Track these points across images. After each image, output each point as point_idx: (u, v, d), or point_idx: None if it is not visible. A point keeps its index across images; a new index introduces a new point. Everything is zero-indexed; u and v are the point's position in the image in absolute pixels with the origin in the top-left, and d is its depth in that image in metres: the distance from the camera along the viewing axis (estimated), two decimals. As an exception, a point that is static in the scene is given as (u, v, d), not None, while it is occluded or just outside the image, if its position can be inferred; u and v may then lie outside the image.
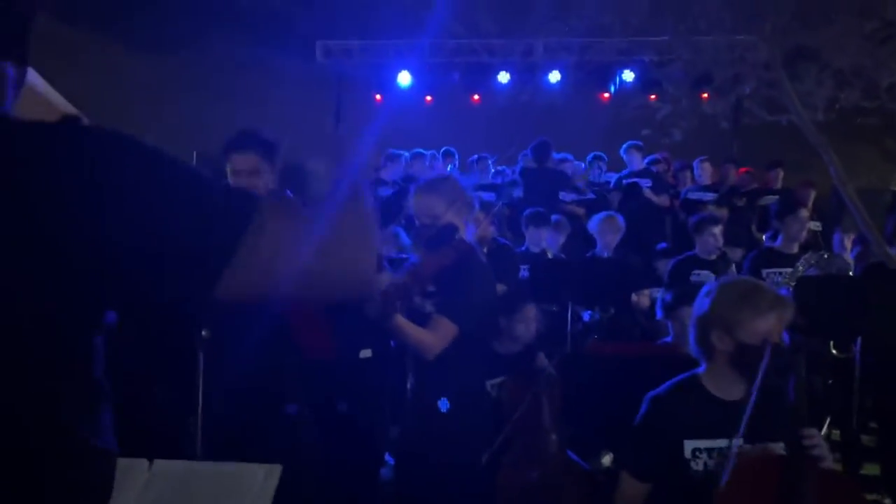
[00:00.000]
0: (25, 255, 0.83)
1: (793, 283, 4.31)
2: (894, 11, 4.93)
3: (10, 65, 0.97)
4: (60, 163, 0.84)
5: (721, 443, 2.05)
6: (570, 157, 8.08)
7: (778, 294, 2.12)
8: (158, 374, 2.37)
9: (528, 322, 3.81)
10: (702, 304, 2.18)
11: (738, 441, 1.92)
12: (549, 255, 5.58)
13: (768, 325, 2.03)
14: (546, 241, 5.74)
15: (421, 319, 2.64)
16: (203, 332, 2.06)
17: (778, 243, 4.98)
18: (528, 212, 5.68)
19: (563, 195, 7.19)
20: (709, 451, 2.07)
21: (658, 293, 5.23)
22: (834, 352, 4.50)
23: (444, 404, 2.69)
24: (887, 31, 5.25)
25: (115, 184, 0.84)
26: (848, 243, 5.91)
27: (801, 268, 4.57)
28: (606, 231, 5.57)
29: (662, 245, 6.38)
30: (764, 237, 6.34)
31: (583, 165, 8.39)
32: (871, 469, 4.56)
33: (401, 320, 2.53)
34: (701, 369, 2.21)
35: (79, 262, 0.85)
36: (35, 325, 0.86)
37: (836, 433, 5.40)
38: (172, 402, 2.41)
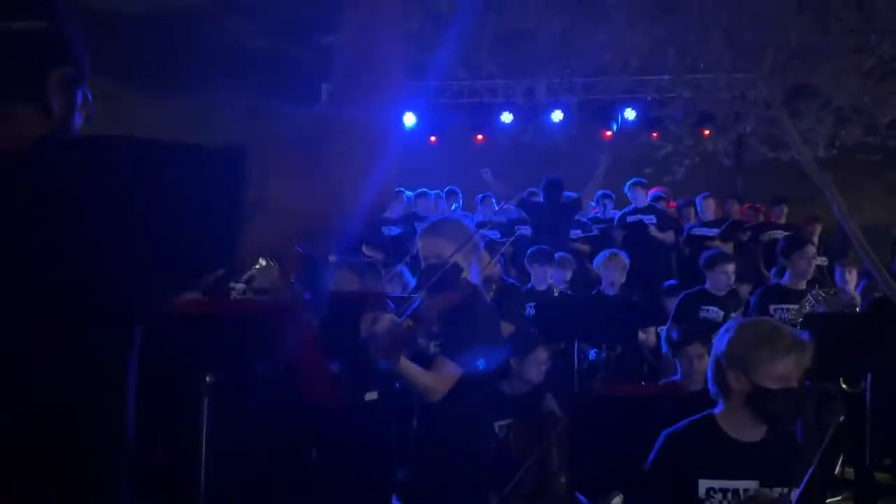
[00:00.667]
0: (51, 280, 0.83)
1: (800, 320, 4.29)
2: (890, 49, 4.99)
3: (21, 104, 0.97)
4: (49, 184, 0.84)
5: (736, 484, 2.03)
6: (574, 195, 8.12)
7: (798, 337, 2.08)
8: (162, 421, 2.36)
9: (539, 365, 3.82)
10: (721, 342, 2.16)
11: (752, 484, 1.90)
12: (556, 293, 5.58)
13: (787, 369, 2.02)
14: (552, 277, 5.75)
15: (425, 360, 2.64)
16: (207, 378, 2.05)
17: (785, 279, 4.98)
18: (532, 250, 5.71)
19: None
20: (724, 491, 2.05)
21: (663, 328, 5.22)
22: (844, 386, 4.45)
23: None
24: (885, 68, 5.31)
25: (115, 189, 0.84)
26: (849, 277, 5.89)
27: (807, 305, 4.56)
28: (611, 269, 5.58)
29: (670, 282, 6.37)
30: (771, 273, 6.33)
31: (592, 203, 8.43)
32: (886, 508, 4.48)
33: (405, 364, 2.52)
34: (717, 409, 2.20)
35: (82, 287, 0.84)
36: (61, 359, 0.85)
37: (849, 471, 5.33)
38: (176, 451, 2.40)
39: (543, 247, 5.75)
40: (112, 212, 0.83)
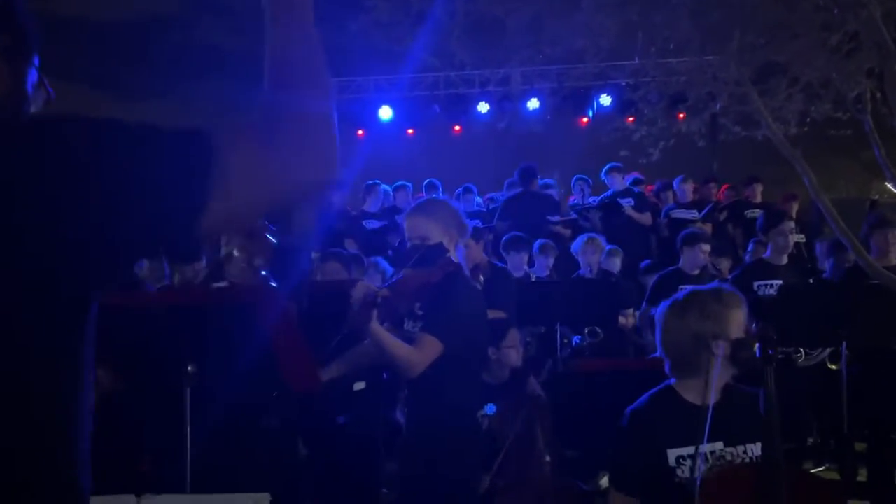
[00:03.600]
0: (11, 248, 0.84)
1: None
2: (856, 24, 5.07)
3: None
4: (23, 158, 0.85)
5: (702, 448, 2.08)
6: (551, 181, 8.17)
7: (731, 291, 2.22)
8: (146, 409, 2.38)
9: (516, 347, 3.85)
10: (685, 325, 2.19)
11: (718, 445, 1.95)
12: (532, 279, 5.62)
13: (743, 317, 2.12)
14: (533, 264, 5.81)
15: (408, 341, 2.63)
16: (189, 368, 2.07)
17: (767, 255, 5.05)
18: (506, 237, 5.74)
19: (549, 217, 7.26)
20: (692, 457, 2.10)
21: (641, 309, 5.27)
22: (832, 367, 4.53)
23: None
24: (851, 44, 5.39)
25: (76, 167, 0.86)
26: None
27: None
28: (589, 252, 5.63)
29: (647, 262, 6.43)
30: (747, 250, 6.42)
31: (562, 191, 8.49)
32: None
33: (378, 329, 2.48)
34: (672, 380, 2.25)
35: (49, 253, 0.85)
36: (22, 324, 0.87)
37: (830, 442, 5.43)
38: (160, 438, 2.41)
39: (518, 234, 5.78)
40: (66, 189, 0.85)
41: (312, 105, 0.98)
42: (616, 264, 6.03)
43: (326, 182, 0.98)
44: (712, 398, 1.92)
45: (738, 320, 2.14)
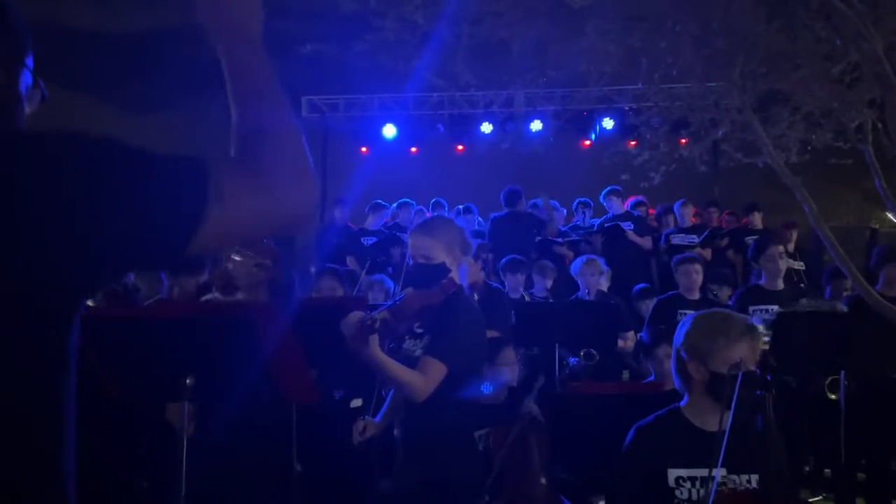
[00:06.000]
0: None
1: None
2: (857, 55, 5.11)
3: None
4: (15, 168, 0.86)
5: (704, 472, 2.08)
6: (539, 202, 8.19)
7: (749, 323, 2.19)
8: (142, 424, 2.37)
9: (511, 365, 3.85)
10: (679, 335, 2.24)
11: (718, 471, 1.95)
12: (527, 300, 5.65)
13: (741, 353, 2.09)
14: (532, 285, 5.82)
15: (411, 363, 2.61)
16: (187, 380, 2.07)
17: (762, 281, 5.07)
18: (505, 259, 5.79)
19: (551, 238, 7.30)
20: (692, 479, 2.11)
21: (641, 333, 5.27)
22: (832, 396, 4.52)
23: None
24: (853, 74, 5.44)
25: (72, 185, 0.86)
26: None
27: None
28: (588, 274, 5.64)
29: (641, 285, 6.44)
30: (751, 276, 6.43)
31: (564, 211, 8.53)
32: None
33: (381, 356, 2.47)
34: (683, 402, 2.26)
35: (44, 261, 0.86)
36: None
37: (827, 472, 5.40)
38: (156, 453, 2.41)
39: (517, 256, 5.83)
40: (58, 205, 0.86)
41: (277, 123, 1.02)
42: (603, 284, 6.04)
43: (309, 204, 1.00)
44: (729, 422, 1.92)
45: (732, 353, 2.12)
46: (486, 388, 2.60)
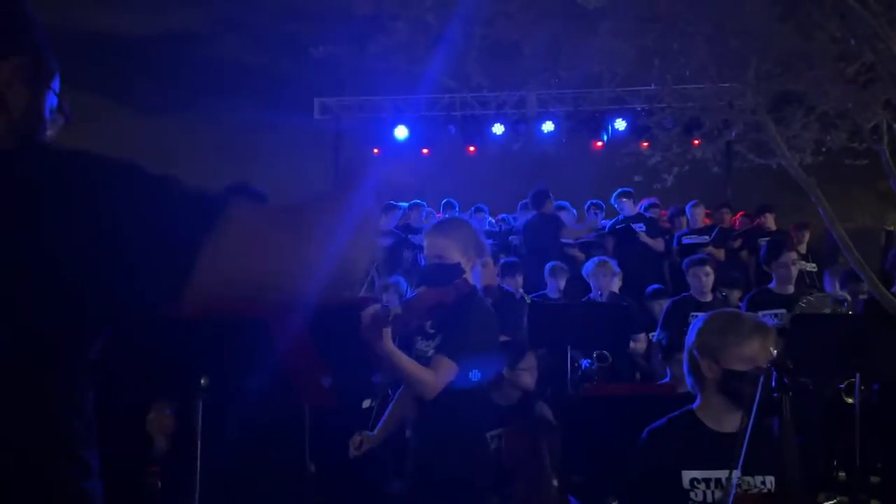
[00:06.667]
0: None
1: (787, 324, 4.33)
2: (872, 56, 5.08)
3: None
4: (26, 187, 0.85)
5: (718, 473, 2.07)
6: (566, 204, 8.20)
7: (759, 320, 2.19)
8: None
9: (531, 370, 3.85)
10: (691, 334, 2.24)
11: (737, 473, 1.95)
12: (528, 301, 5.66)
13: (752, 351, 2.09)
14: (549, 286, 5.84)
15: (423, 362, 2.62)
16: (202, 381, 2.08)
17: (772, 285, 5.04)
18: (502, 262, 5.84)
19: (563, 240, 7.31)
20: (707, 481, 2.10)
21: (654, 334, 5.26)
22: (848, 400, 4.49)
23: None
24: (868, 74, 5.40)
25: (81, 201, 0.85)
26: (837, 285, 5.90)
27: (798, 311, 4.61)
28: (600, 276, 5.63)
29: (654, 286, 6.42)
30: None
31: (575, 212, 8.52)
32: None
33: (394, 350, 2.47)
34: (695, 404, 2.26)
35: (52, 283, 0.85)
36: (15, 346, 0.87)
37: (842, 475, 5.35)
38: (170, 452, 2.42)
39: (511, 259, 5.86)
40: (74, 222, 0.85)
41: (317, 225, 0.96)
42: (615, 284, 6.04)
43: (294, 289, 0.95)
44: (750, 423, 1.91)
45: (743, 350, 2.12)
46: (475, 376, 2.59)
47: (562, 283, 6.11)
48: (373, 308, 2.37)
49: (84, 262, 0.85)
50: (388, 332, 2.41)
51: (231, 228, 0.89)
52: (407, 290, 4.90)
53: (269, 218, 0.96)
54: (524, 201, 8.37)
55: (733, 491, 1.94)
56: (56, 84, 1.05)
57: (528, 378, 3.86)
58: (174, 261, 0.86)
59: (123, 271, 0.86)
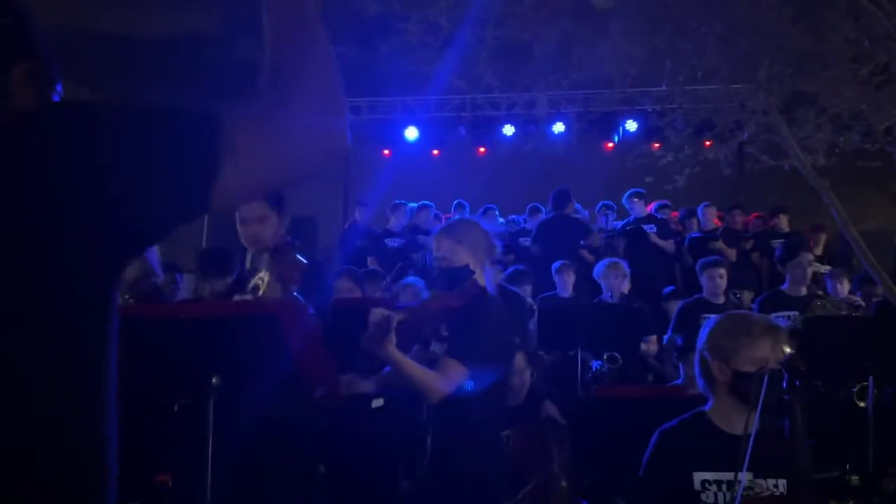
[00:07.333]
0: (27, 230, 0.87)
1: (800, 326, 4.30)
2: (887, 56, 5.04)
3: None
4: (40, 143, 0.88)
5: (729, 475, 2.06)
6: (578, 206, 8.18)
7: (771, 321, 2.18)
8: (168, 422, 2.40)
9: (521, 373, 3.83)
10: (702, 336, 2.23)
11: (743, 474, 1.93)
12: (535, 308, 5.64)
13: (763, 352, 2.08)
14: (559, 286, 5.84)
15: (431, 364, 2.60)
16: (213, 380, 2.09)
17: (785, 286, 5.01)
18: (508, 271, 5.82)
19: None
20: (718, 483, 2.09)
21: (665, 337, 5.23)
22: (861, 404, 4.45)
23: None
24: (882, 75, 5.36)
25: (95, 151, 0.89)
26: (841, 288, 5.81)
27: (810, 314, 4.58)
28: (611, 277, 5.61)
29: (671, 287, 6.39)
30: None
31: (587, 213, 8.50)
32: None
33: (396, 354, 2.43)
34: (707, 406, 2.24)
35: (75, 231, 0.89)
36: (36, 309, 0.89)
37: (854, 479, 5.31)
38: (181, 452, 2.43)
39: (520, 266, 5.84)
40: (80, 169, 0.88)
41: (310, 49, 1.04)
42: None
43: (334, 149, 1.02)
44: (756, 426, 1.90)
45: (755, 352, 2.11)
46: (468, 385, 2.57)
47: (571, 280, 6.08)
48: (378, 312, 2.36)
49: (111, 195, 0.89)
50: (391, 338, 2.39)
51: (233, 138, 0.94)
52: (423, 291, 4.90)
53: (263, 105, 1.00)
54: (532, 204, 8.37)
55: (740, 492, 1.92)
56: (60, 87, 1.09)
57: (514, 380, 3.83)
58: (198, 173, 0.92)
59: (152, 193, 0.92)
